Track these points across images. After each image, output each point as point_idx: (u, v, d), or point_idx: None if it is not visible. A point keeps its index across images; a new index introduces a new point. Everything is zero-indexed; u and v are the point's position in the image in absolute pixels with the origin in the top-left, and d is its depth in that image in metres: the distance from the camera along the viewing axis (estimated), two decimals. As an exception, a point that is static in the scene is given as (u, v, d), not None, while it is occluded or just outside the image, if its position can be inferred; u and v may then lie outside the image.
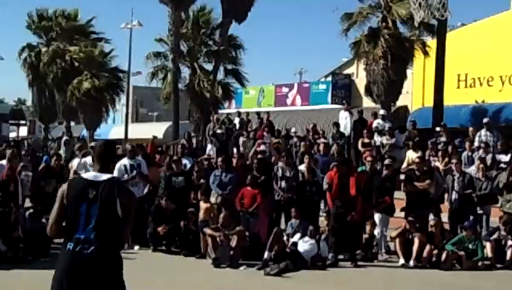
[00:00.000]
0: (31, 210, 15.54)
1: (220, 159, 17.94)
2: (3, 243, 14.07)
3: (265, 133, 25.21)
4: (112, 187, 5.81)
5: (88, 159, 18.19)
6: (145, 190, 17.05)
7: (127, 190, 6.13)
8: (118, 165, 16.87)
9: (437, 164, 19.33)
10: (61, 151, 20.57)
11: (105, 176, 5.88)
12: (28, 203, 16.32)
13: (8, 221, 14.41)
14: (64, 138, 27.91)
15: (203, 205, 16.60)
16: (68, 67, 41.18)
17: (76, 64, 40.86)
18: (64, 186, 5.97)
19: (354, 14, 30.51)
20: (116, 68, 42.51)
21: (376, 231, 15.93)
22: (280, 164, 17.56)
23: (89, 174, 6.01)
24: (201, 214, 16.41)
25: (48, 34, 44.26)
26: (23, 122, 56.14)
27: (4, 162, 15.72)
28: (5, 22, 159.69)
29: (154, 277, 13.14)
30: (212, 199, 17.07)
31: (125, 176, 16.47)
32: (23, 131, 56.04)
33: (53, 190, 15.28)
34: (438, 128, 23.69)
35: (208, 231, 14.94)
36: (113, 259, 5.77)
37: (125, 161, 16.95)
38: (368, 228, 15.75)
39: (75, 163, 18.10)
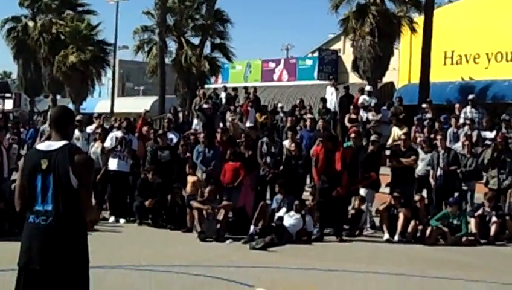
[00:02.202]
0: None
1: (202, 135, 18.02)
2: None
3: (249, 108, 25.19)
4: (64, 155, 5.54)
5: (76, 132, 18.26)
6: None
7: (80, 155, 5.69)
8: (110, 135, 17.05)
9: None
10: (46, 125, 20.45)
11: (58, 144, 5.62)
12: (14, 176, 16.28)
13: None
14: (50, 111, 27.74)
15: (190, 179, 16.63)
16: (54, 40, 40.85)
17: (62, 37, 40.52)
18: (22, 159, 5.84)
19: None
20: (102, 41, 42.17)
21: (362, 207, 16.00)
22: (264, 139, 17.59)
23: (44, 144, 5.76)
24: (188, 188, 16.44)
25: (34, 7, 43.87)
26: (8, 95, 55.85)
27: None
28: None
29: (140, 250, 13.17)
30: (198, 174, 17.14)
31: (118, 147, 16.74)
32: (9, 104, 55.76)
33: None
34: (423, 105, 23.76)
35: (194, 204, 14.98)
36: (73, 230, 5.53)
37: (118, 134, 17.03)
38: (356, 203, 15.83)
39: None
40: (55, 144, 5.62)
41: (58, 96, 46.65)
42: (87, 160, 5.79)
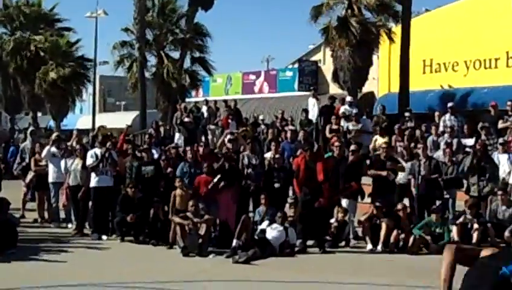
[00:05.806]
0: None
1: (188, 152, 17.85)
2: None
3: (230, 121, 25.14)
4: None
5: (53, 148, 18.17)
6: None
7: None
8: (89, 153, 16.94)
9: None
10: (27, 142, 20.35)
11: None
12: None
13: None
14: (30, 128, 27.64)
15: (178, 193, 16.38)
16: (33, 57, 40.63)
17: (41, 54, 40.34)
18: None
19: (323, 4, 30.53)
20: (82, 57, 42.03)
21: (346, 217, 15.98)
22: (246, 152, 17.54)
23: None
24: (177, 202, 16.20)
25: (12, 24, 43.58)
26: (-12, 113, 55.44)
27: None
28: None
29: (122, 267, 13.10)
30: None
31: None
32: (-11, 122, 55.30)
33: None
34: (406, 114, 23.78)
35: (176, 219, 14.92)
36: None
37: (97, 150, 16.94)
38: (339, 215, 15.80)
39: (44, 152, 18.14)
40: None
41: (39, 114, 46.40)
42: None
